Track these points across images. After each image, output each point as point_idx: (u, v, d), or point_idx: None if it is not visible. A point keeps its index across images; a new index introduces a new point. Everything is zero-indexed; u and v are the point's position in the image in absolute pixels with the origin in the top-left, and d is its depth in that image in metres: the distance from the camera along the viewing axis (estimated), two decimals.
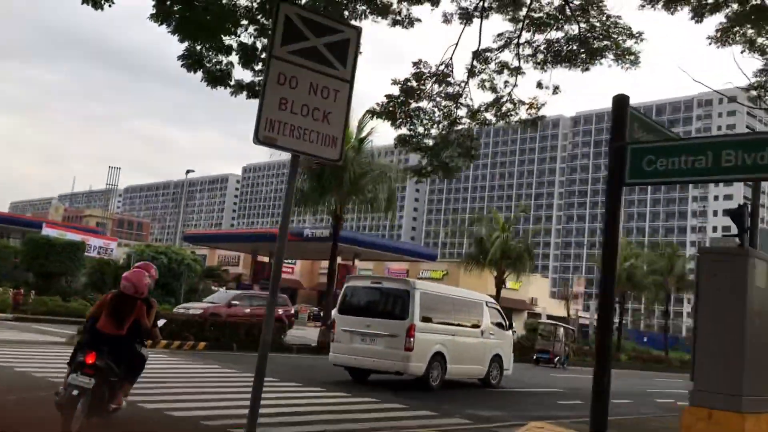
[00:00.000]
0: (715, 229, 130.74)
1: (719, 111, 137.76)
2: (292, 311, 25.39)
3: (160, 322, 7.19)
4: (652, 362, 36.01)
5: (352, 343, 14.33)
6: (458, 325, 15.45)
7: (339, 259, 53.38)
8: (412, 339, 13.73)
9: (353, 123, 21.70)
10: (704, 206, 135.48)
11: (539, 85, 16.40)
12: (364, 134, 21.53)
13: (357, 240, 50.09)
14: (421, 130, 16.90)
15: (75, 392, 6.12)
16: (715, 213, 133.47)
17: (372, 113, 16.19)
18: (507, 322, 17.54)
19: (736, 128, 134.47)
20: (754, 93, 15.25)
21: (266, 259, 56.32)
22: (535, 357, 28.80)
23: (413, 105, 16.66)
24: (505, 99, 16.76)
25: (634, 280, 34.99)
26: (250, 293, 26.38)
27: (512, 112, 16.87)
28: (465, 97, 16.80)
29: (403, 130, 16.81)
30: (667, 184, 21.27)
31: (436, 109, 16.84)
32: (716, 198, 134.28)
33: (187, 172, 58.74)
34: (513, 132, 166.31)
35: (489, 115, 17.05)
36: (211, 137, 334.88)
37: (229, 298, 24.55)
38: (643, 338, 77.15)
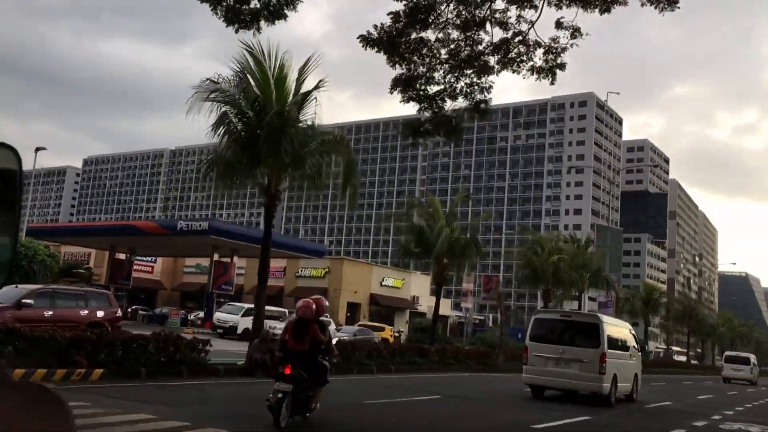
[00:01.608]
0: (567, 212, 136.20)
1: (571, 114, 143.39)
2: (118, 313, 19.59)
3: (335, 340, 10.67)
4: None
5: (546, 367, 16.56)
6: (620, 349, 17.75)
7: (216, 256, 47.56)
8: (604, 364, 16.12)
9: (293, 72, 16.83)
10: (558, 192, 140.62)
11: (558, 24, 12.69)
12: (309, 87, 16.74)
13: (233, 233, 44.34)
14: (422, 69, 12.58)
15: (280, 395, 8.45)
16: (567, 197, 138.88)
17: (365, 41, 11.62)
18: (639, 344, 20.73)
19: (586, 131, 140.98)
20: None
21: (124, 256, 48.91)
22: None
23: (414, 36, 12.32)
24: (517, 39, 12.93)
25: (558, 275, 32.60)
26: (52, 289, 18.69)
27: (524, 57, 13.09)
28: (479, 32, 12.73)
29: (400, 70, 12.43)
30: None
31: (441, 46, 12.60)
32: (568, 184, 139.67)
33: None
34: (393, 127, 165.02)
35: (493, 61, 13.07)
36: (46, 129, 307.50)
37: (18, 297, 16.57)
38: (518, 334, 76.92)
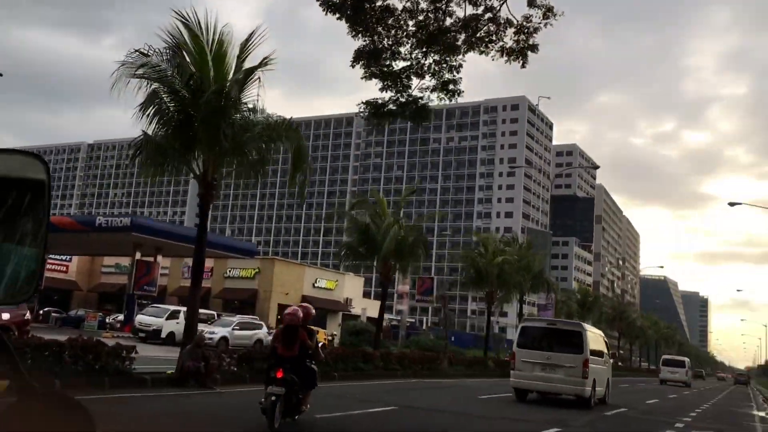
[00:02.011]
0: (498, 214, 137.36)
1: (503, 117, 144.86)
2: (27, 316, 17.67)
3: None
4: (472, 364, 30.80)
5: (533, 371, 17.50)
6: (597, 355, 18.57)
7: (138, 255, 44.75)
8: (587, 370, 17.18)
9: (234, 48, 15.11)
10: (489, 195, 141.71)
11: (531, 1, 11.59)
12: (253, 64, 15.02)
13: (157, 230, 41.72)
14: (388, 42, 11.16)
15: (273, 398, 8.86)
16: (499, 200, 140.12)
17: (326, 5, 10.09)
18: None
19: (518, 135, 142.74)
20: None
21: None
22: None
23: (380, 2, 10.89)
24: (487, 16, 11.78)
25: (503, 276, 31.68)
26: None
27: (494, 36, 11.94)
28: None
29: (362, 41, 10.96)
30: None
31: (409, 17, 11.21)
32: (500, 187, 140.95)
33: None
34: (325, 126, 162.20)
35: (461, 40, 11.83)
36: None
37: None
38: (451, 337, 76.38)
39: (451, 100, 11.86)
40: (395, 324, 67.14)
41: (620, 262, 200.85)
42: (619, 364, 72.60)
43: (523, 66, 12.24)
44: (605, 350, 19.87)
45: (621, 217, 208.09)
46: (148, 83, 14.73)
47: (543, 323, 19.85)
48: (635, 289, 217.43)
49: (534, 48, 12.05)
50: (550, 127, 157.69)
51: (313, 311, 10.07)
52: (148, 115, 14.82)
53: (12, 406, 0.97)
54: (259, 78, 15.18)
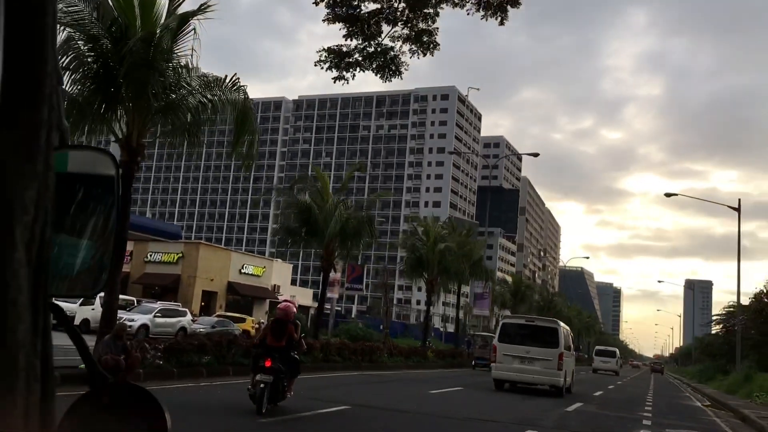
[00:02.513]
0: (427, 204, 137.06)
1: (433, 107, 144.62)
2: None
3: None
4: (411, 355, 29.46)
5: (512, 363, 19.14)
6: (566, 348, 20.01)
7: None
8: (561, 362, 18.99)
9: None
10: (418, 184, 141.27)
11: None
12: (185, 8, 12.96)
13: None
14: None
15: (262, 385, 9.60)
16: (427, 189, 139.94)
17: None
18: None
19: (447, 125, 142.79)
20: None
21: None
22: (473, 363, 32.02)
23: None
24: None
25: (444, 263, 30.39)
26: None
27: None
28: None
29: None
30: None
31: None
32: (428, 176, 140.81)
33: None
34: (232, 110, 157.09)
35: None
36: None
37: None
38: (379, 326, 75.26)
39: (425, 54, 10.23)
40: (326, 312, 65.46)
41: (542, 253, 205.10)
42: None
43: (501, 23, 10.74)
44: (571, 344, 21.33)
45: (543, 209, 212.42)
46: (61, 28, 12.49)
47: (522, 320, 21.46)
48: (555, 279, 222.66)
49: (516, 2, 10.61)
50: (479, 118, 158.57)
51: (295, 310, 10.97)
52: (62, 66, 12.56)
53: (84, 396, 0.99)
54: (194, 29, 13.15)
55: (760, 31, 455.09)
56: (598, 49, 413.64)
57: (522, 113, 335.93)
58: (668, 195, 38.35)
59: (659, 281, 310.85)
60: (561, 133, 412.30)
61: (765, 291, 22.32)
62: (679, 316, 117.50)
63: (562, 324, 20.55)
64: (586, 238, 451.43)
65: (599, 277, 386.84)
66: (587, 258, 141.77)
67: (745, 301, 49.21)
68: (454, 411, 13.19)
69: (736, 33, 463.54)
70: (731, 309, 50.63)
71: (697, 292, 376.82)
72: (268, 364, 9.78)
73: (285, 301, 11.15)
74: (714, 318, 51.11)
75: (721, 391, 33.03)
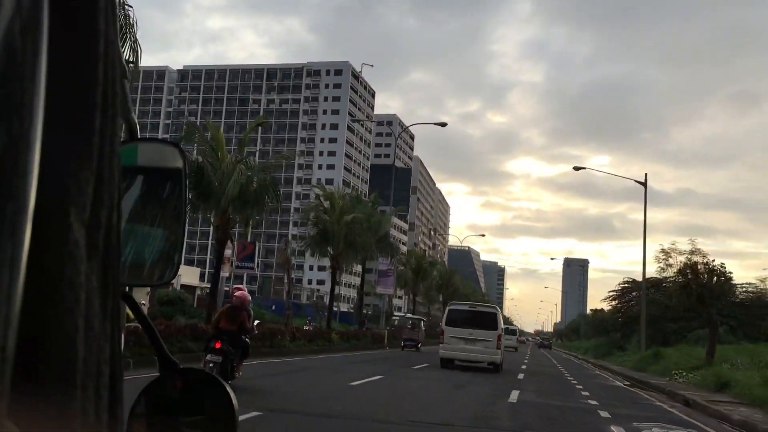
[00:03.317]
0: (319, 181, 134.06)
1: (327, 82, 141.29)
2: None
3: (256, 322, 13.32)
4: (315, 338, 26.89)
5: (458, 344, 21.96)
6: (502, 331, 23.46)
7: None
8: (500, 342, 22.19)
9: None
10: (310, 160, 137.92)
11: None
12: None
13: None
14: None
15: (211, 365, 10.27)
16: (320, 166, 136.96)
17: None
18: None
19: (341, 100, 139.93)
20: None
21: None
22: (402, 344, 34.38)
23: None
24: None
25: (351, 237, 27.71)
26: None
27: None
28: None
29: None
30: None
31: None
32: (321, 153, 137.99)
33: None
34: (132, 78, 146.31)
35: None
36: None
37: None
38: (271, 306, 71.99)
39: None
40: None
41: (432, 233, 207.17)
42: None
43: None
44: (502, 325, 23.50)
45: (434, 188, 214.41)
46: None
47: (466, 306, 24.21)
48: (444, 258, 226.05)
49: None
50: (373, 95, 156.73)
51: (250, 298, 11.72)
52: None
53: (154, 381, 1.02)
54: None
55: (633, 24, 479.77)
56: (485, 35, 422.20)
57: (412, 95, 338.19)
58: (576, 168, 37.54)
59: (552, 258, 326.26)
60: (449, 115, 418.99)
61: (689, 264, 21.17)
62: (565, 293, 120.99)
63: (497, 309, 23.67)
64: (471, 218, 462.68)
65: (484, 257, 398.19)
66: (483, 236, 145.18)
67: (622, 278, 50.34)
68: (389, 410, 10.66)
69: (612, 25, 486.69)
70: (627, 285, 51.24)
71: (576, 269, 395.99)
72: (217, 345, 10.55)
73: (239, 289, 11.85)
74: (609, 294, 51.56)
75: (627, 368, 32.51)
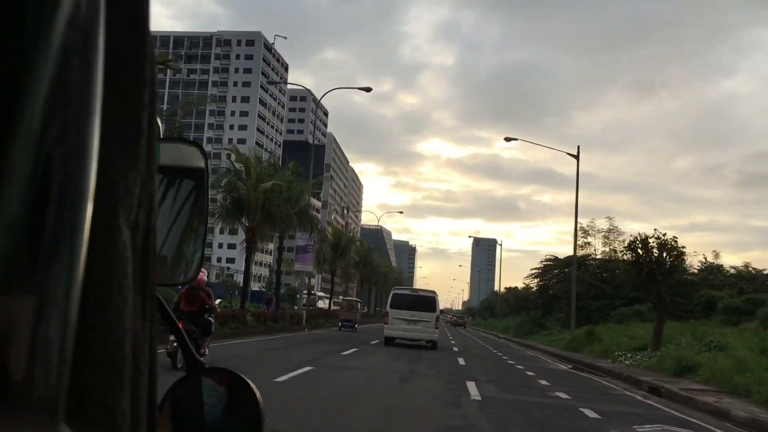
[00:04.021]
0: (230, 140, 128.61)
1: (238, 53, 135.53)
2: None
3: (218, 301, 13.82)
4: (228, 320, 23.35)
5: (402, 325, 24.25)
6: (440, 313, 26.93)
7: None
8: (437, 323, 24.75)
9: None
10: (220, 134, 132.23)
11: None
12: None
13: None
14: None
15: (175, 344, 10.26)
16: (230, 140, 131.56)
17: None
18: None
19: (252, 72, 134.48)
20: None
21: None
22: (340, 325, 35.90)
23: None
24: None
25: (269, 207, 24.60)
26: None
27: None
28: None
29: None
30: None
31: None
32: (231, 127, 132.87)
33: None
34: None
35: None
36: None
37: None
38: (178, 286, 67.46)
39: None
40: None
41: (345, 211, 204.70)
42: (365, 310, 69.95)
43: None
44: (440, 309, 25.62)
45: (348, 167, 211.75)
46: None
47: (408, 291, 27.28)
48: (357, 236, 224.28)
49: None
50: (286, 68, 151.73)
51: (206, 279, 12.83)
52: None
53: (182, 380, 1.03)
54: None
55: (540, 11, 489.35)
56: (398, 15, 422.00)
57: (324, 73, 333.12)
58: (507, 139, 35.73)
59: (469, 236, 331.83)
60: (361, 95, 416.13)
61: (640, 238, 19.46)
62: (479, 271, 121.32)
63: (436, 293, 25.80)
64: (383, 198, 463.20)
65: (395, 236, 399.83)
66: (401, 213, 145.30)
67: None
68: (338, 422, 8.00)
69: (520, 10, 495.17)
70: (549, 263, 50.36)
71: (484, 249, 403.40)
72: (180, 325, 7.33)
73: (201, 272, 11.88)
74: (531, 271, 50.58)
75: (559, 348, 31.10)
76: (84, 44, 0.38)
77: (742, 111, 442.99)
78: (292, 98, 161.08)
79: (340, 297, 73.11)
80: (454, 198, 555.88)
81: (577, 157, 33.76)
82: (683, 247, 20.20)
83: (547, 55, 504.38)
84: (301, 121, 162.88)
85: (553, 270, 48.86)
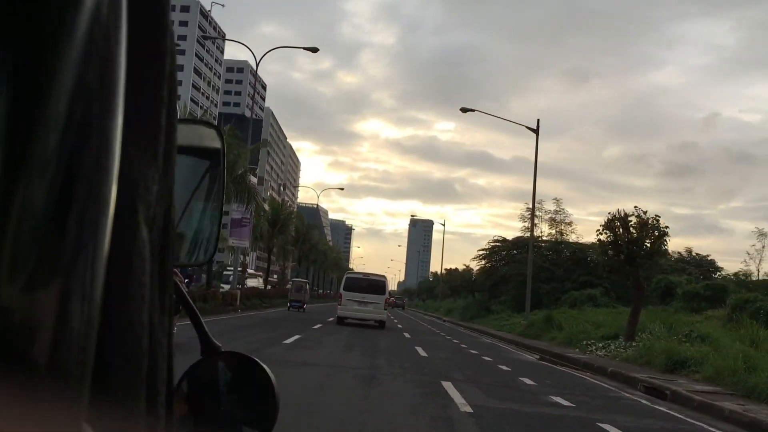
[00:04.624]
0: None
1: (171, 18, 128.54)
2: None
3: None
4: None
5: (354, 306, 26.28)
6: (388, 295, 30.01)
7: None
8: (386, 304, 27.55)
9: None
10: None
11: None
12: None
13: None
14: None
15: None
16: None
17: None
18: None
19: (187, 39, 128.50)
20: None
21: None
22: (289, 305, 36.49)
23: None
24: None
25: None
26: None
27: None
28: None
29: None
30: None
31: None
32: None
33: None
34: None
35: None
36: None
37: None
38: None
39: None
40: None
41: (281, 188, 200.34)
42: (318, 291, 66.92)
43: None
44: (389, 291, 27.91)
45: (285, 143, 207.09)
46: None
47: (360, 275, 28.26)
48: (293, 214, 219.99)
49: None
50: (223, 38, 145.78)
51: None
52: None
53: (197, 363, 1.04)
54: None
55: None
56: None
57: (263, 49, 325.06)
58: (464, 110, 33.40)
59: (412, 216, 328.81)
60: (300, 72, 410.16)
61: (618, 216, 17.33)
62: (418, 251, 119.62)
63: (386, 277, 28.18)
64: (320, 177, 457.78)
65: (332, 215, 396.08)
66: (342, 189, 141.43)
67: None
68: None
69: None
70: (497, 243, 48.52)
71: (420, 230, 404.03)
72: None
73: None
74: (479, 252, 48.62)
75: (516, 334, 29.12)
76: (106, 40, 0.38)
77: (669, 102, 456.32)
78: (229, 69, 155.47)
79: (275, 276, 70.36)
80: (392, 179, 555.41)
81: (536, 131, 31.69)
82: (666, 227, 18.21)
83: (486, 40, 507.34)
84: (238, 93, 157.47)
85: (501, 252, 47.02)
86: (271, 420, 1.03)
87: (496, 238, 48.50)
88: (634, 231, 18.11)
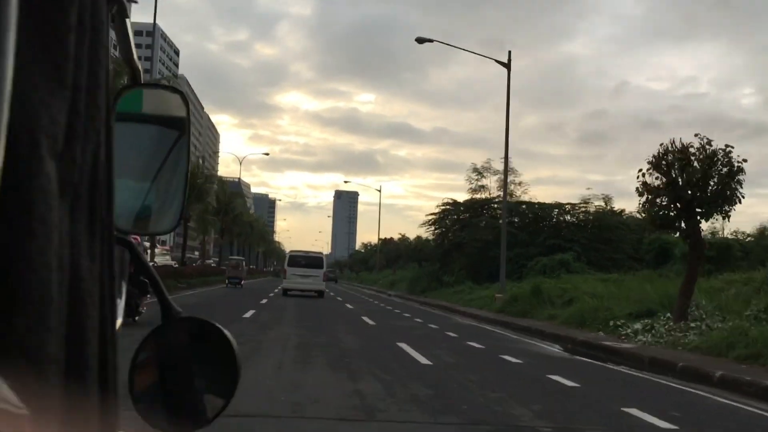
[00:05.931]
0: None
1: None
2: None
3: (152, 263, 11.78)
4: None
5: (297, 279, 30.56)
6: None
7: None
8: (323, 277, 31.85)
9: None
10: None
11: None
12: None
13: None
14: None
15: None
16: None
17: None
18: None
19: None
20: None
21: None
22: (227, 282, 38.31)
23: None
24: None
25: None
26: None
27: None
28: None
29: None
30: None
31: None
32: None
33: None
34: None
35: None
36: None
37: None
38: None
39: None
40: None
41: (200, 161, 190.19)
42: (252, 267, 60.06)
43: None
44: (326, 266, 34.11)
45: (203, 113, 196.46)
46: None
47: (301, 253, 33.55)
48: (213, 187, 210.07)
49: None
50: (129, 0, 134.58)
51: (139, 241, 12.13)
52: None
53: (157, 329, 1.04)
54: None
55: None
56: None
57: (174, 18, 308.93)
58: (420, 40, 27.68)
59: (345, 182, 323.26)
60: (215, 44, 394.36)
61: (672, 149, 11.86)
62: (349, 222, 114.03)
63: (324, 255, 33.94)
64: (240, 151, 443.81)
65: (254, 189, 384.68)
66: (267, 154, 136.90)
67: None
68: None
69: None
70: (448, 206, 43.24)
71: (345, 202, 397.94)
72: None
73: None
74: (427, 217, 43.18)
75: (494, 311, 23.83)
76: None
77: (581, 72, 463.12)
78: (138, 33, 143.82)
79: (196, 252, 63.23)
80: (313, 152, 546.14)
81: (508, 65, 26.26)
82: (743, 160, 12.99)
83: (402, 11, 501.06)
84: (148, 58, 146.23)
85: (452, 215, 41.77)
86: (232, 384, 1.01)
87: (446, 200, 43.21)
88: (698, 166, 12.80)
